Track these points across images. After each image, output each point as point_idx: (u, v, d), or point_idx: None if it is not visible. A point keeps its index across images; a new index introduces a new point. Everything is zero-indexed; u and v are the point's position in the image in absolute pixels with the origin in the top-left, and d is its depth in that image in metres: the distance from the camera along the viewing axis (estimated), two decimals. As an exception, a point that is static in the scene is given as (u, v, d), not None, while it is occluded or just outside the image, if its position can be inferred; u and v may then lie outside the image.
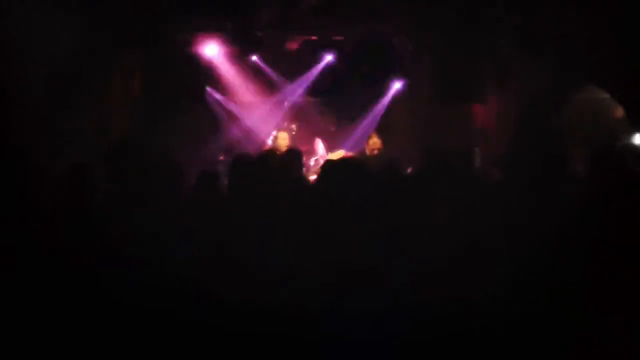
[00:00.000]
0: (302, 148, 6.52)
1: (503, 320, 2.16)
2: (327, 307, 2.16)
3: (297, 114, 8.64)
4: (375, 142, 6.70)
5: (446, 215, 2.46)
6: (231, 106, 8.55)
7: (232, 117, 8.59)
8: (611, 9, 4.62)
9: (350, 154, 7.45)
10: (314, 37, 7.79)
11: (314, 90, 8.53)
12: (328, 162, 3.43)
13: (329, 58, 8.17)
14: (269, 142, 7.50)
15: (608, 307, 2.13)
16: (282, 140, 6.93)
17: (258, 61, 8.28)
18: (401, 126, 8.19)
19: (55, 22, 4.48)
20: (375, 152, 6.63)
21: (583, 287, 2.19)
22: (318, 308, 2.16)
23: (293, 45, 7.86)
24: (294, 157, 4.45)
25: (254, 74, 8.35)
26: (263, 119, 8.42)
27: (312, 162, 7.14)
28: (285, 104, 8.66)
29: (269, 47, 7.90)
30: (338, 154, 6.97)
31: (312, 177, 6.56)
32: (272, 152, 6.56)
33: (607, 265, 2.19)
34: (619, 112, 6.21)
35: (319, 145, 7.32)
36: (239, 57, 8.09)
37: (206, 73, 8.08)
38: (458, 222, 2.41)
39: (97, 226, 2.64)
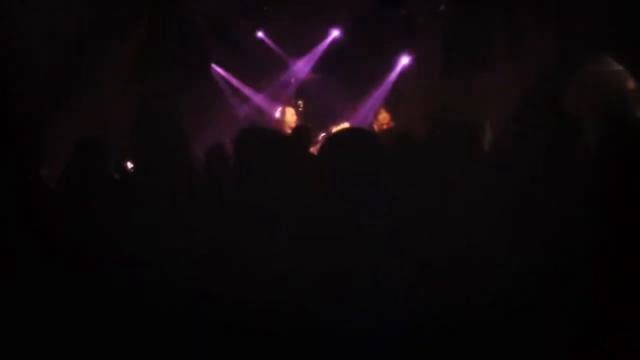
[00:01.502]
0: (309, 124, 6.52)
1: (506, 318, 2.15)
2: (327, 304, 2.15)
3: (305, 90, 8.58)
4: (384, 117, 6.66)
5: (458, 194, 2.42)
6: (238, 83, 8.51)
7: (238, 95, 8.55)
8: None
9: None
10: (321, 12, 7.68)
11: (321, 65, 8.45)
12: (334, 135, 3.39)
13: (335, 33, 8.08)
14: (277, 115, 7.46)
15: (614, 303, 2.13)
16: (290, 115, 6.88)
17: (264, 37, 8.21)
18: (410, 100, 8.12)
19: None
20: (385, 127, 6.59)
21: (590, 277, 2.17)
22: (318, 305, 2.16)
23: (300, 21, 7.78)
24: (304, 134, 4.43)
25: (261, 50, 8.29)
26: (270, 95, 8.39)
27: (320, 137, 7.10)
28: (292, 80, 8.61)
29: (275, 23, 7.83)
30: (342, 127, 6.95)
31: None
32: (280, 128, 6.56)
33: (616, 252, 2.17)
34: (631, 84, 6.12)
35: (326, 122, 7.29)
36: (245, 33, 8.02)
37: (212, 49, 8.03)
38: (468, 202, 2.38)
39: (101, 210, 2.62)
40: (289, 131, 6.41)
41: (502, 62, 6.51)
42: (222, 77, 8.45)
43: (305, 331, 2.06)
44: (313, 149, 6.34)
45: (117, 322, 2.21)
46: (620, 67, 6.07)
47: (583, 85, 6.04)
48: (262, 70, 8.45)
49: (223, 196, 2.88)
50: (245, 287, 2.22)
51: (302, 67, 8.54)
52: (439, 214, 2.39)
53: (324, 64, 8.46)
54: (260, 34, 8.16)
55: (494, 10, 6.17)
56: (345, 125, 6.94)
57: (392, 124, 6.64)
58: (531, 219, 2.29)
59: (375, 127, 6.70)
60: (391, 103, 7.90)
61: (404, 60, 8.26)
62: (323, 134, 7.12)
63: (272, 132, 3.66)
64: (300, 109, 7.77)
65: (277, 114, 7.21)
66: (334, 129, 6.81)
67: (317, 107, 8.21)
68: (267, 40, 8.26)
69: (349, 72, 8.42)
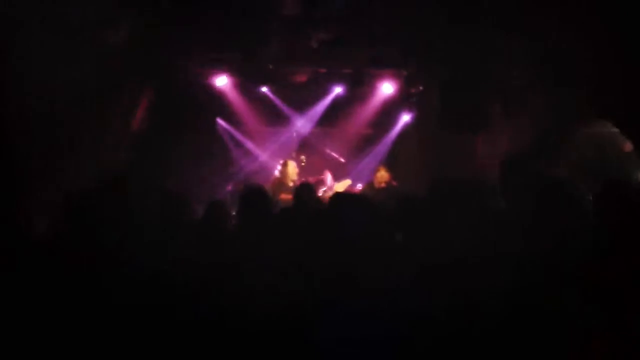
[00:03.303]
0: (311, 179, 6.57)
1: (504, 321, 2.15)
2: (325, 308, 2.17)
3: (307, 145, 8.70)
4: (383, 175, 6.71)
5: (458, 244, 2.45)
6: (240, 137, 8.63)
7: (241, 148, 8.66)
8: (622, 43, 4.66)
9: (358, 184, 7.48)
10: (322, 70, 7.87)
11: (323, 121, 8.60)
12: (336, 196, 3.44)
13: (338, 90, 8.26)
14: (276, 172, 7.52)
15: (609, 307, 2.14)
16: (292, 168, 6.93)
17: (268, 93, 8.39)
18: (409, 159, 8.21)
19: (67, 53, 4.56)
20: (383, 185, 6.63)
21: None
22: (316, 309, 2.17)
23: (302, 78, 7.95)
24: (307, 191, 4.45)
25: (263, 105, 8.44)
26: (273, 150, 8.49)
27: (320, 193, 7.14)
28: (294, 135, 8.73)
29: (278, 79, 8.00)
30: (344, 184, 6.99)
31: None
32: (281, 182, 6.61)
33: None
34: (628, 146, 6.19)
35: (328, 177, 7.34)
36: (248, 89, 8.19)
37: (216, 104, 8.18)
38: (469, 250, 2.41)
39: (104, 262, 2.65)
40: (291, 184, 6.46)
41: (498, 122, 6.62)
42: (226, 131, 8.58)
43: (304, 336, 2.07)
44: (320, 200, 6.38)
45: (116, 323, 2.21)
46: (614, 129, 6.17)
47: (580, 146, 6.12)
48: (266, 124, 8.59)
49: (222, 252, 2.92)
50: (244, 294, 2.24)
51: (304, 123, 8.67)
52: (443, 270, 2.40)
53: (326, 120, 8.60)
54: (264, 89, 8.33)
55: (491, 72, 6.32)
56: (348, 182, 6.99)
57: (393, 183, 6.68)
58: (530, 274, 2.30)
59: (375, 184, 6.75)
60: (391, 160, 8.00)
61: (405, 118, 8.41)
62: (324, 189, 7.17)
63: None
64: (303, 164, 7.85)
65: (277, 170, 7.27)
66: (337, 186, 6.87)
67: (318, 161, 8.30)
68: (271, 96, 8.43)
69: (350, 128, 8.58)
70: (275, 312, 2.20)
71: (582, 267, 2.23)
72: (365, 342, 2.00)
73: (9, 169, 3.23)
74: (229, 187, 7.59)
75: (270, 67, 7.51)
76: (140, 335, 2.22)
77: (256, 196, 3.53)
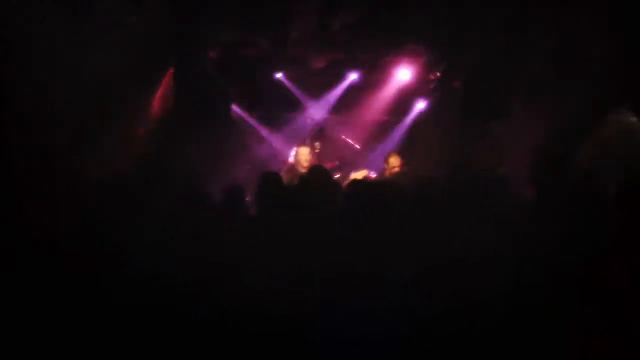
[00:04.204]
0: (326, 165, 6.55)
1: (504, 321, 2.15)
2: (328, 307, 2.17)
3: (321, 132, 8.67)
4: (395, 160, 6.66)
5: (480, 233, 2.44)
6: (256, 123, 8.62)
7: (256, 134, 8.65)
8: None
9: (373, 173, 7.45)
10: (339, 55, 7.81)
11: (338, 108, 8.55)
12: (354, 184, 3.43)
13: (353, 77, 8.21)
14: (290, 159, 7.50)
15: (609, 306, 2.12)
16: (303, 156, 6.91)
17: (283, 79, 8.36)
18: (425, 145, 8.15)
19: (89, 40, 4.58)
20: (395, 170, 6.59)
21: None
22: (319, 309, 2.18)
23: (319, 63, 7.91)
24: (317, 174, 4.43)
25: (279, 91, 8.42)
26: (287, 136, 8.47)
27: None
28: (309, 121, 8.70)
29: (295, 64, 7.96)
30: (361, 174, 6.96)
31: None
32: (294, 169, 6.60)
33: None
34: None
35: (342, 164, 7.33)
36: (264, 74, 8.17)
37: (231, 90, 8.17)
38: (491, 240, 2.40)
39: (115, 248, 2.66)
40: (303, 171, 6.44)
41: (519, 110, 6.54)
42: (241, 117, 8.57)
43: (304, 336, 2.08)
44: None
45: (116, 323, 2.23)
46: (636, 119, 6.07)
47: (601, 135, 6.04)
48: (280, 111, 8.56)
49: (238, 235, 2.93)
50: (244, 294, 2.26)
51: (319, 109, 8.64)
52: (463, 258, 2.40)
53: (342, 106, 8.55)
54: (279, 75, 8.30)
55: (514, 61, 6.22)
56: (364, 172, 6.95)
57: (404, 168, 6.64)
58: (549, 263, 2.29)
59: (387, 171, 6.71)
60: (406, 147, 7.95)
61: (420, 105, 8.35)
62: (338, 175, 7.15)
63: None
64: (317, 150, 7.82)
65: (291, 156, 7.26)
66: (353, 176, 6.84)
67: (333, 148, 8.28)
68: (286, 82, 8.40)
69: (366, 115, 8.53)
70: (275, 312, 2.20)
71: (582, 267, 2.21)
72: (365, 342, 2.00)
73: (9, 168, 3.24)
74: (245, 174, 7.60)
75: (287, 52, 7.47)
76: (140, 335, 2.23)
77: (272, 182, 3.55)
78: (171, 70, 6.74)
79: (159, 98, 6.66)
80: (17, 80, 3.82)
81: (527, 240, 2.39)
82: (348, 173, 7.06)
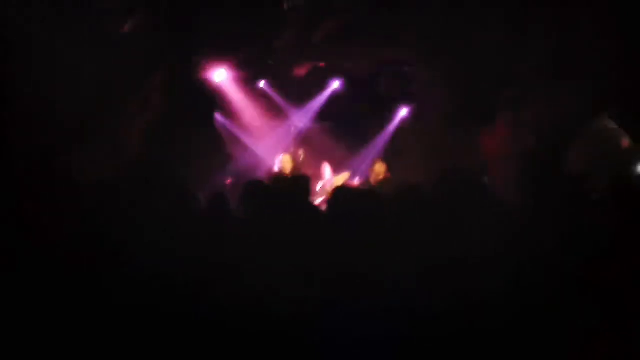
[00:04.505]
0: (309, 172, 6.55)
1: (504, 321, 2.16)
2: (327, 308, 2.17)
3: (304, 139, 8.67)
4: (380, 167, 6.70)
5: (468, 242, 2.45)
6: (239, 131, 8.60)
7: (240, 142, 8.62)
8: (628, 36, 4.67)
9: (356, 178, 7.47)
10: (322, 64, 7.86)
11: (321, 115, 8.57)
12: (339, 190, 3.44)
13: (336, 84, 8.24)
14: (275, 167, 7.50)
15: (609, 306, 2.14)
16: (286, 163, 6.94)
17: (265, 86, 8.36)
18: (408, 152, 8.19)
19: (82, 45, 4.58)
20: (381, 177, 6.62)
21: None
22: (318, 309, 2.17)
23: (301, 71, 7.93)
24: (300, 182, 4.44)
25: (262, 99, 8.41)
26: (270, 144, 8.46)
27: (318, 186, 7.13)
28: (292, 129, 8.70)
29: (277, 73, 7.97)
30: (343, 177, 6.97)
31: (318, 201, 6.57)
32: (281, 177, 6.59)
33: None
34: (625, 142, 6.21)
35: (326, 170, 7.33)
36: (246, 82, 8.16)
37: (214, 98, 8.15)
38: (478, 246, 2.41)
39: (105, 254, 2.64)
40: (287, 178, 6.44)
41: (503, 116, 6.58)
42: (224, 125, 8.55)
43: (304, 336, 2.07)
44: (313, 198, 6.36)
45: (116, 323, 2.21)
46: (614, 126, 6.17)
47: (586, 142, 6.11)
48: (264, 119, 8.55)
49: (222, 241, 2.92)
50: (244, 294, 2.25)
51: (302, 116, 8.65)
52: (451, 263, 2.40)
53: (324, 114, 8.57)
54: (262, 84, 8.30)
55: (498, 65, 6.26)
56: (346, 175, 6.96)
57: (388, 175, 6.67)
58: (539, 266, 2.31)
59: (372, 178, 6.73)
60: (390, 154, 7.98)
61: (403, 112, 8.40)
62: (322, 182, 7.16)
63: (277, 183, 3.73)
64: (301, 158, 7.83)
65: (276, 164, 7.26)
66: (335, 179, 6.85)
67: (316, 155, 8.28)
68: (269, 90, 8.40)
69: (348, 122, 8.55)
70: (275, 312, 2.20)
71: (582, 267, 2.23)
72: (365, 342, 1.99)
73: (9, 168, 3.22)
74: (228, 181, 7.57)
75: (270, 61, 7.48)
76: (140, 335, 2.21)
77: (258, 189, 3.54)
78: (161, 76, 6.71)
79: (149, 103, 6.63)
80: (17, 81, 3.80)
81: (517, 244, 2.40)
82: (332, 178, 7.09)
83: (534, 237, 2.45)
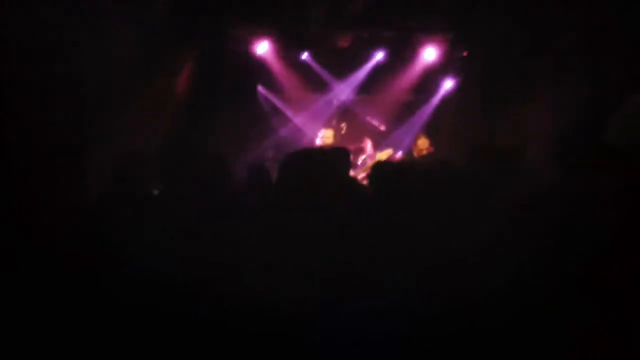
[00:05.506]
0: (351, 147, 6.54)
1: (504, 321, 2.13)
2: (327, 306, 2.17)
3: (347, 113, 8.63)
4: (423, 142, 6.63)
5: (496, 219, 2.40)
6: (281, 105, 8.62)
7: (283, 116, 8.66)
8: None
9: (399, 153, 7.42)
10: (365, 34, 7.72)
11: (364, 88, 8.48)
12: (377, 166, 3.42)
13: (379, 56, 8.11)
14: (317, 141, 7.53)
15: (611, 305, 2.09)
16: (327, 139, 6.95)
17: (308, 59, 8.31)
18: (451, 127, 8.05)
19: (109, 20, 4.60)
20: (424, 152, 6.55)
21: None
22: (319, 308, 2.18)
23: (344, 43, 7.83)
24: (339, 156, 4.44)
25: (305, 72, 8.39)
26: (312, 117, 8.46)
27: (360, 160, 7.13)
28: (335, 102, 8.66)
29: (320, 44, 7.91)
30: (386, 153, 6.94)
31: (361, 176, 6.56)
32: (321, 150, 6.61)
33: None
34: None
35: (368, 145, 7.30)
36: (289, 55, 8.14)
37: (257, 71, 8.18)
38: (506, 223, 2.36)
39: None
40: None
41: (543, 92, 6.37)
42: (266, 98, 8.59)
43: (305, 336, 2.09)
44: (355, 173, 6.36)
45: (116, 323, 2.25)
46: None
47: (626, 115, 5.84)
48: (306, 91, 8.54)
49: (262, 214, 2.94)
50: (244, 294, 2.27)
51: (344, 89, 8.59)
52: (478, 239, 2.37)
53: (368, 86, 8.48)
54: (304, 56, 8.26)
55: (537, 40, 6.05)
56: (389, 151, 6.91)
57: (432, 149, 6.59)
58: (571, 249, 2.26)
59: (415, 153, 6.68)
60: (432, 128, 7.86)
61: (447, 85, 8.22)
62: (364, 157, 7.14)
63: (317, 155, 3.72)
64: (343, 132, 7.82)
65: (318, 138, 7.28)
66: (378, 155, 6.82)
67: (358, 129, 8.24)
68: (311, 62, 8.36)
69: (391, 95, 8.44)
70: (275, 312, 2.20)
71: (582, 267, 2.17)
72: (366, 341, 2.00)
73: (9, 166, 3.27)
74: (270, 155, 7.64)
75: (312, 32, 7.42)
76: (140, 335, 2.23)
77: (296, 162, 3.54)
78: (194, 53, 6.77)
79: (183, 80, 6.71)
80: (18, 75, 3.86)
81: (542, 230, 2.34)
82: (374, 153, 7.06)
83: (551, 230, 2.39)
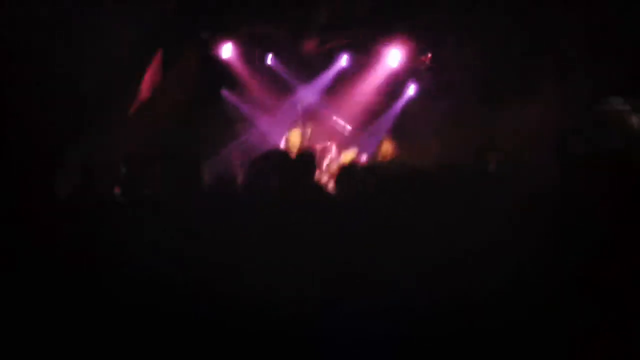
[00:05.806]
0: (316, 149, 6.54)
1: (504, 320, 2.16)
2: (327, 306, 2.17)
3: (312, 116, 8.63)
4: (387, 147, 6.65)
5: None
6: (246, 108, 8.57)
7: (247, 119, 8.60)
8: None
9: (363, 156, 7.45)
10: (330, 41, 7.77)
11: (329, 91, 8.51)
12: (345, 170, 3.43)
13: (344, 60, 8.16)
14: (282, 144, 7.49)
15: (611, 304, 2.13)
16: (295, 138, 6.91)
17: (273, 63, 8.29)
18: (416, 130, 8.10)
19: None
20: (388, 157, 6.58)
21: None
22: (318, 307, 2.18)
23: (309, 47, 7.84)
24: (304, 158, 4.44)
25: (269, 76, 8.36)
26: (277, 120, 8.43)
27: (325, 163, 7.13)
28: (299, 106, 8.66)
29: (285, 48, 7.90)
30: (351, 153, 6.95)
31: (326, 178, 6.57)
32: (286, 153, 6.58)
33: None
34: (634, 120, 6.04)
35: (333, 148, 7.31)
36: (253, 58, 8.11)
37: (221, 74, 8.11)
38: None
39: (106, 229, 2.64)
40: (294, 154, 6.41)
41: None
42: (231, 102, 8.52)
43: (305, 336, 2.09)
44: (319, 175, 6.36)
45: (116, 323, 2.22)
46: (625, 107, 5.99)
47: (587, 125, 5.92)
48: (270, 95, 8.51)
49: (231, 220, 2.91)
50: (244, 294, 2.25)
51: (310, 92, 8.59)
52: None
53: (333, 89, 8.51)
54: (269, 59, 8.24)
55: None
56: (353, 152, 6.94)
57: (396, 154, 6.62)
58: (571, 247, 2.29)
59: (380, 157, 6.70)
60: (399, 132, 7.91)
61: (411, 89, 8.32)
62: (329, 158, 7.15)
63: (283, 158, 3.71)
64: (308, 135, 7.81)
65: (283, 141, 7.25)
66: (343, 155, 6.83)
67: (323, 132, 8.25)
68: (276, 66, 8.34)
69: (356, 97, 8.48)
70: (275, 312, 2.19)
71: (582, 267, 2.21)
72: (366, 341, 2.00)
73: (9, 167, 3.20)
74: (236, 158, 7.57)
75: (277, 35, 7.41)
76: (140, 335, 2.22)
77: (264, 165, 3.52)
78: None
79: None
80: (18, 75, 3.77)
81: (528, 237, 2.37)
82: (339, 156, 7.07)
83: (550, 231, 2.42)
